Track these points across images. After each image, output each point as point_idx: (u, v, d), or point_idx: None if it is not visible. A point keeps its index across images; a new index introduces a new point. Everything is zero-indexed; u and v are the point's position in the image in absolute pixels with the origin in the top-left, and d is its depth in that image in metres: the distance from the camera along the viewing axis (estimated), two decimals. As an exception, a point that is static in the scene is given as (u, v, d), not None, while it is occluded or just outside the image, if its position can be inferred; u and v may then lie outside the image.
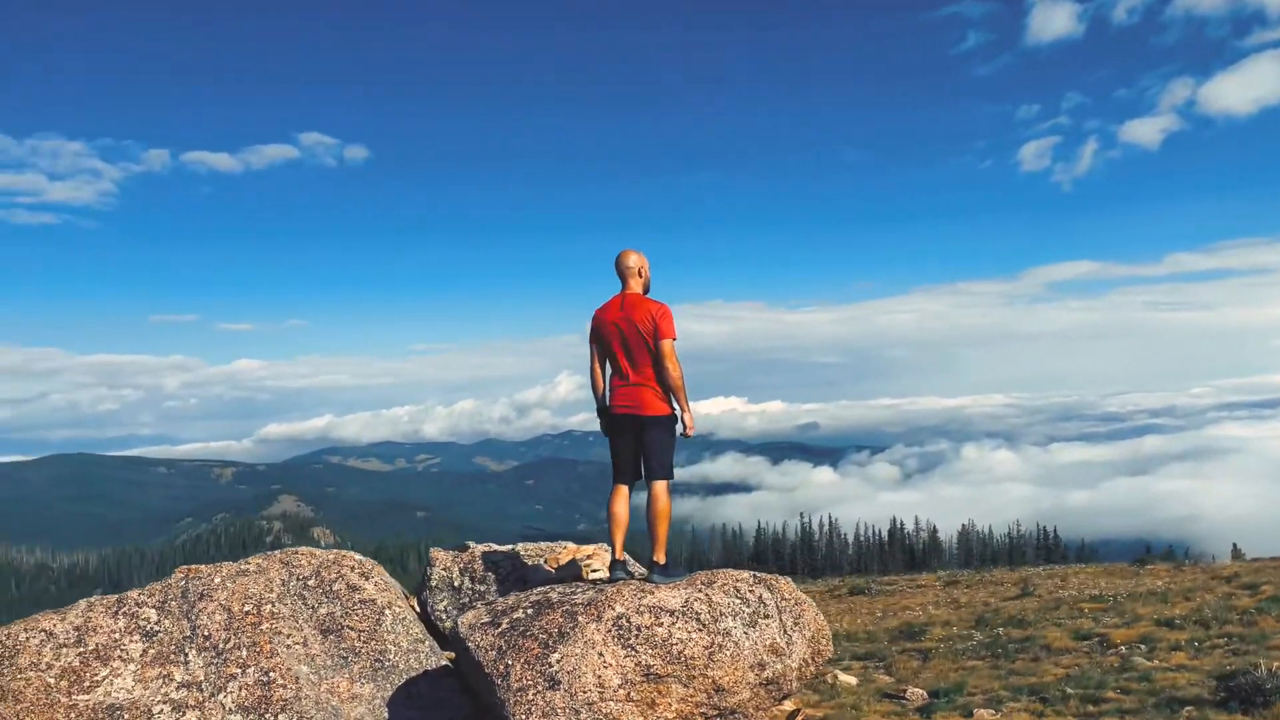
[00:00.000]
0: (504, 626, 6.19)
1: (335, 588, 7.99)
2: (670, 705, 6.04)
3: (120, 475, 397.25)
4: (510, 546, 8.74)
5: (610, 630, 6.00)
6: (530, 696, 5.79)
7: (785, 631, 6.76)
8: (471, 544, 8.73)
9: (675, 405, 6.76)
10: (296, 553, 8.29)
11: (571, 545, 8.56)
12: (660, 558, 6.81)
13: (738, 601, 6.61)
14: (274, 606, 7.78)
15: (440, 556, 8.68)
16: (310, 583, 8.02)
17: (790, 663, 6.70)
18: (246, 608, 7.75)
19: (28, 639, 7.51)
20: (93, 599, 7.92)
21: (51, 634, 7.55)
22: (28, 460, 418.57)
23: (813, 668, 6.98)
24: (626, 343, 6.67)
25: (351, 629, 7.81)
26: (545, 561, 8.44)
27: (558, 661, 5.87)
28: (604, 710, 5.82)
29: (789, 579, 7.19)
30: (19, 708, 7.19)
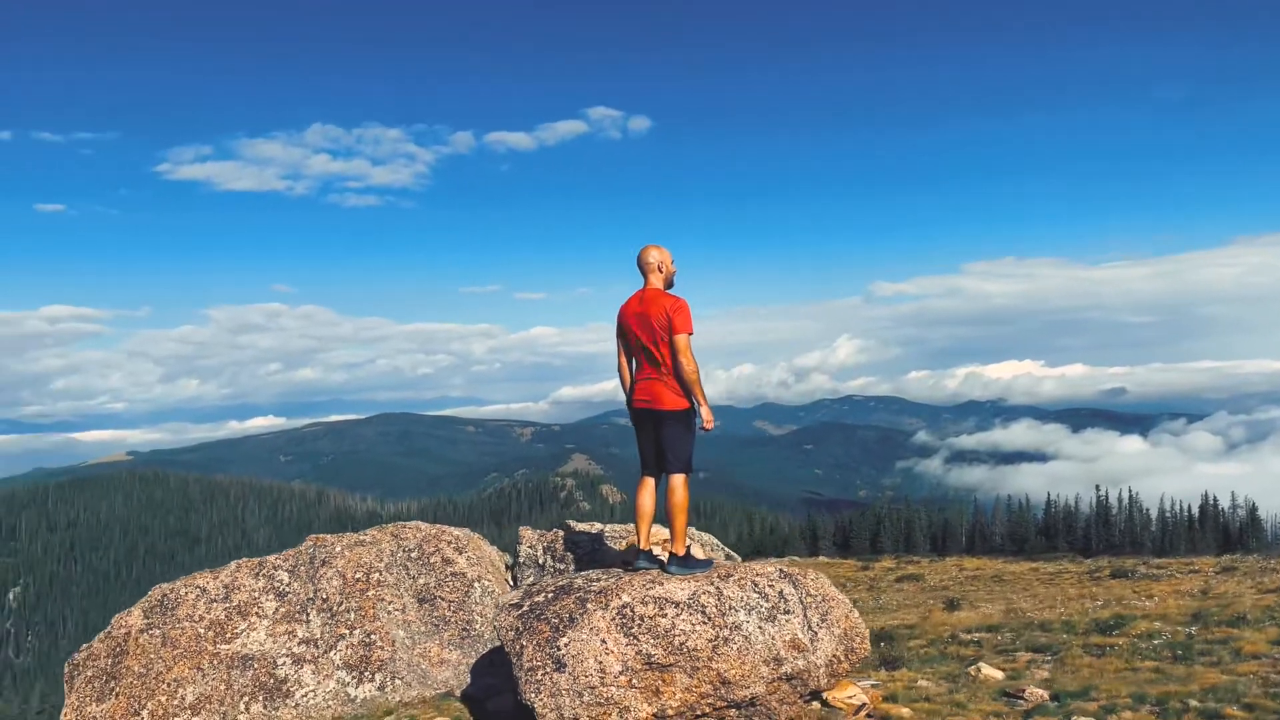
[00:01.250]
0: (525, 608, 6.56)
1: (432, 560, 8.73)
2: (675, 694, 6.17)
3: (437, 433, 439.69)
4: (599, 527, 9.06)
5: (614, 618, 6.20)
6: (539, 677, 6.13)
7: (809, 628, 6.65)
8: (571, 523, 9.14)
9: (693, 400, 6.77)
10: (405, 527, 9.11)
11: (658, 529, 8.74)
12: (679, 549, 6.89)
13: (755, 596, 6.58)
14: (380, 575, 8.64)
15: (527, 535, 9.21)
16: (413, 555, 8.82)
17: (815, 659, 6.60)
18: (358, 575, 8.66)
19: (186, 593, 8.84)
20: (241, 561, 9.16)
21: (205, 590, 8.84)
22: (361, 419, 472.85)
23: (846, 665, 6.83)
24: (643, 338, 6.75)
25: (443, 599, 8.51)
26: (625, 543, 8.69)
27: (565, 645, 6.17)
28: (605, 694, 6.06)
29: (822, 576, 7.02)
30: (174, 653, 8.52)
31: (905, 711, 8.15)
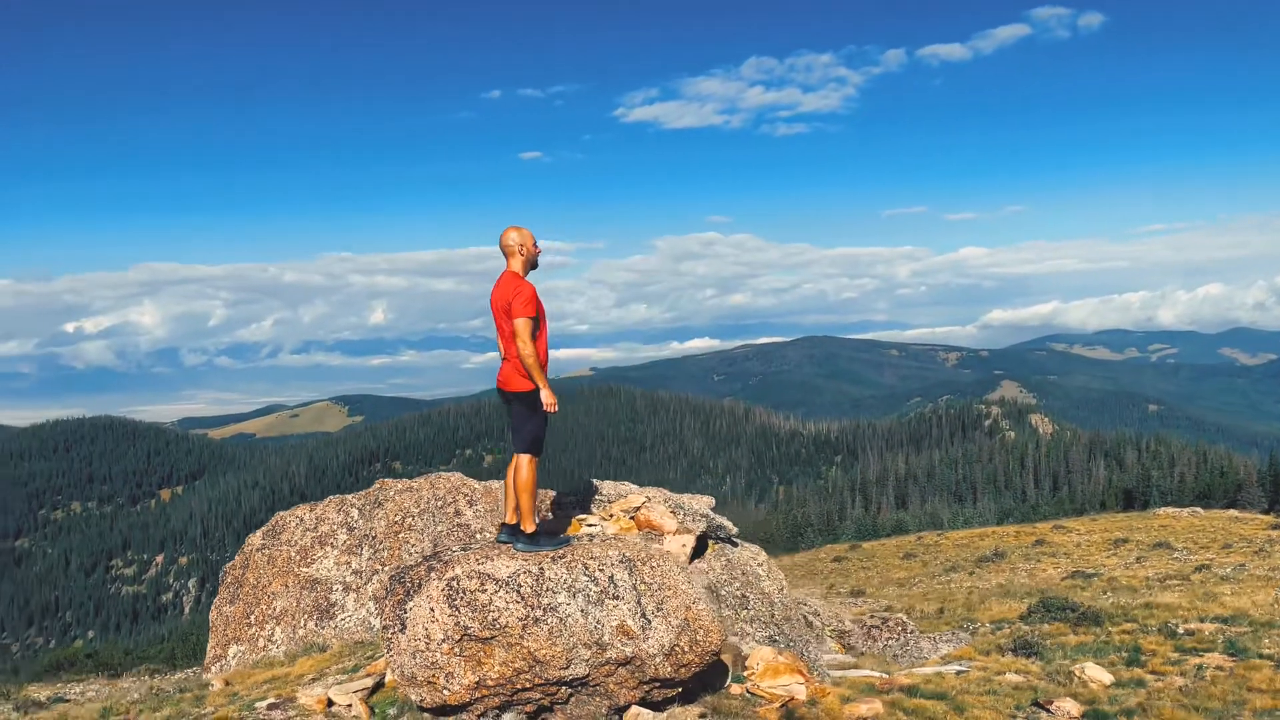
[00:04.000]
0: (399, 572, 7.22)
1: (448, 511, 9.64)
2: (494, 666, 6.53)
3: (860, 356, 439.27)
4: (605, 489, 9.28)
5: (444, 590, 6.66)
6: (390, 635, 6.82)
7: (642, 615, 6.57)
8: (597, 482, 9.49)
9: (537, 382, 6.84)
10: (441, 478, 10.10)
11: (635, 492, 8.84)
12: (527, 527, 7.04)
13: (584, 579, 6.63)
14: (413, 520, 9.75)
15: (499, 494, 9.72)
16: (438, 503, 9.78)
17: (647, 647, 6.53)
18: (397, 518, 9.85)
19: (289, 521, 10.64)
20: (332, 498, 10.77)
21: (302, 520, 10.57)
22: (787, 341, 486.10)
23: (691, 656, 6.62)
24: (496, 321, 6.93)
25: (448, 547, 9.38)
26: (606, 505, 8.86)
27: (409, 609, 6.77)
28: (430, 659, 6.59)
29: (666, 564, 6.78)
30: (273, 570, 10.35)
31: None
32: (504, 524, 7.31)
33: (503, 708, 6.71)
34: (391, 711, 7.21)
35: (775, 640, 8.35)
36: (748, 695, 7.52)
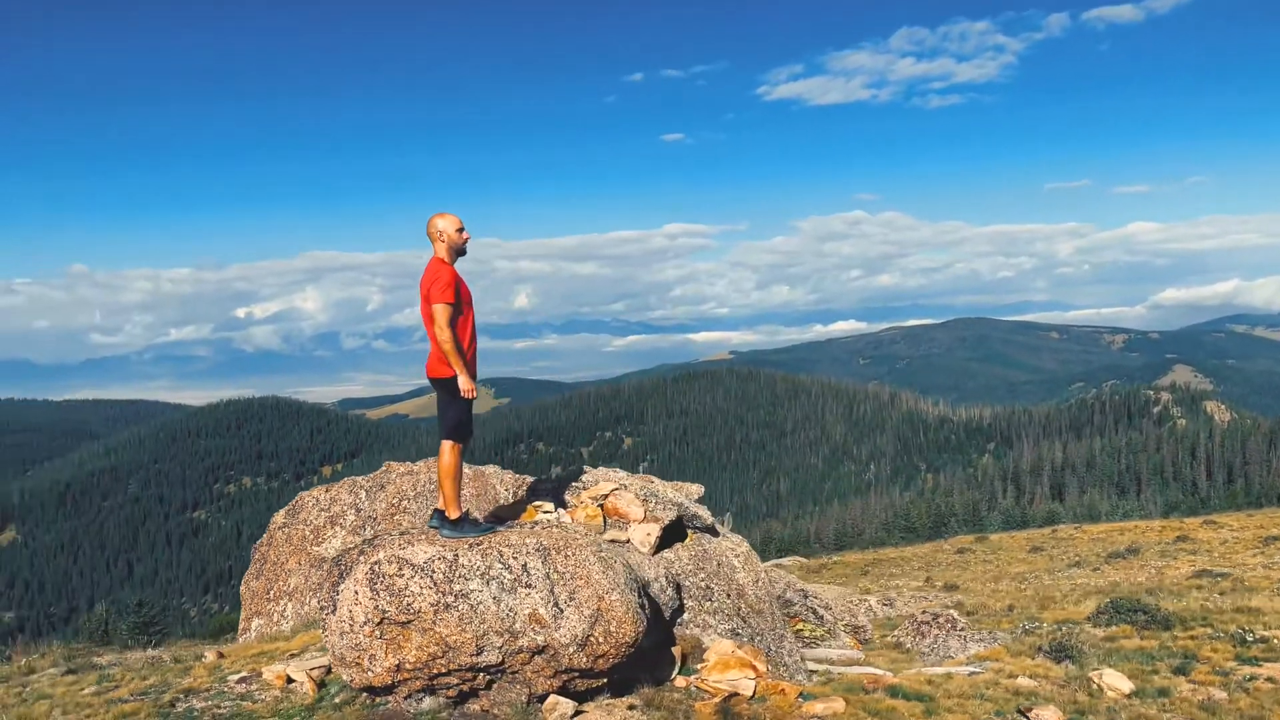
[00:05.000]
0: (344, 554, 7.33)
1: (435, 493, 9.73)
2: (411, 650, 6.57)
3: (1015, 339, 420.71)
4: (586, 476, 9.15)
5: (366, 573, 6.72)
6: (324, 615, 6.96)
7: (554, 604, 6.46)
8: (588, 469, 9.40)
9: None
10: (432, 464, 10.21)
11: (602, 481, 8.68)
12: (451, 513, 7.01)
13: (498, 566, 6.57)
14: (409, 503, 9.93)
15: (506, 479, 9.66)
16: (432, 487, 9.91)
17: (559, 636, 6.44)
18: (395, 500, 10.06)
19: (306, 501, 11.02)
20: (346, 479, 11.06)
21: (318, 500, 10.93)
22: (937, 324, 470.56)
23: (607, 646, 6.50)
24: (421, 308, 6.91)
25: (388, 531, 9.47)
26: (580, 493, 8.73)
27: (340, 591, 6.88)
28: (354, 641, 6.69)
29: (583, 554, 6.60)
30: (289, 548, 10.75)
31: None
32: (435, 509, 7.34)
33: (425, 691, 6.75)
34: (334, 690, 7.37)
35: (738, 633, 8.06)
36: (691, 689, 7.30)
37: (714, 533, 8.99)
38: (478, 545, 6.76)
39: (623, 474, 9.41)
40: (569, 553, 6.70)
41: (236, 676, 8.00)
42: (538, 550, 6.69)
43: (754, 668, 7.47)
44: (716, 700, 7.12)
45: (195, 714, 7.01)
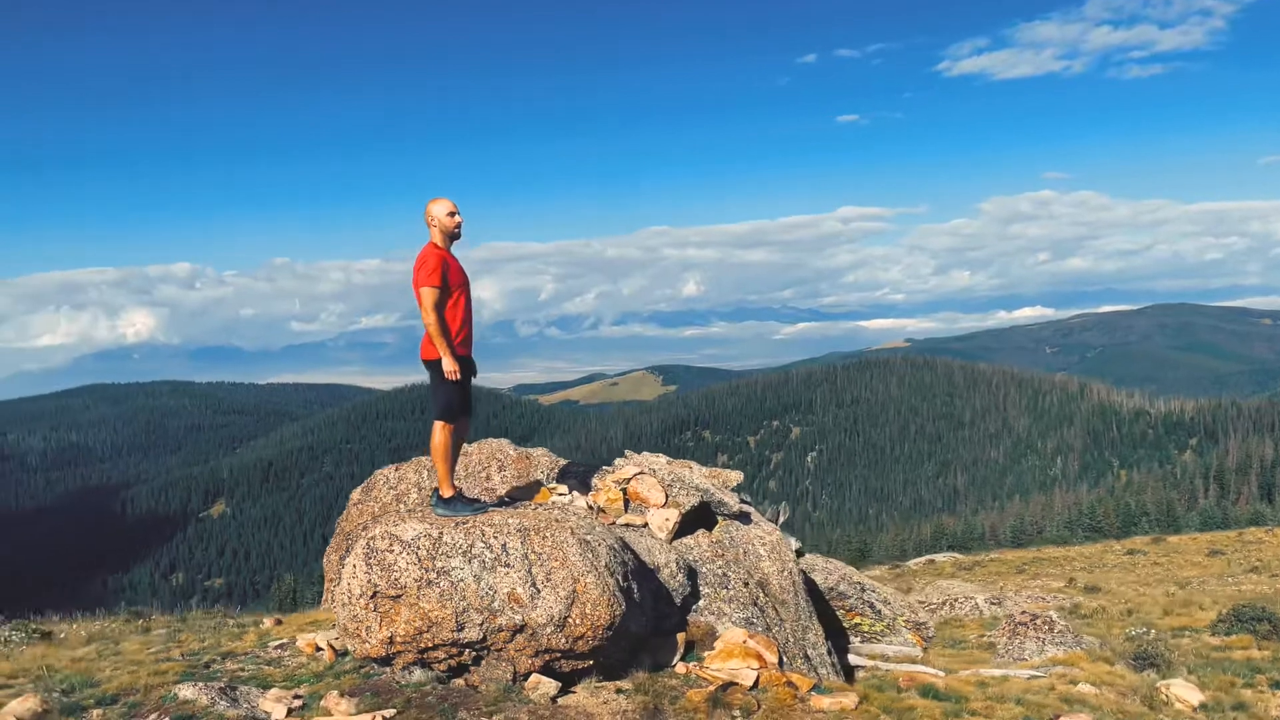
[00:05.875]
0: (356, 530, 7.57)
1: (479, 475, 9.91)
2: (400, 625, 6.73)
3: (1223, 326, 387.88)
4: (619, 460, 9.09)
5: (364, 549, 6.92)
6: (330, 586, 7.25)
7: (532, 584, 6.46)
8: (635, 455, 9.37)
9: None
10: (487, 443, 10.39)
11: (623, 465, 8.58)
12: (444, 491, 7.10)
13: (480, 546, 6.61)
14: (459, 482, 10.10)
15: (538, 461, 9.67)
16: (477, 468, 10.08)
17: (536, 616, 6.46)
18: (448, 480, 10.28)
19: (378, 479, 11.44)
20: (414, 459, 11.40)
21: (388, 479, 11.34)
22: (1133, 310, 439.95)
23: (583, 628, 6.46)
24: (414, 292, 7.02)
25: (397, 509, 9.62)
26: (605, 476, 8.66)
27: (344, 565, 7.13)
28: (352, 612, 6.92)
29: (561, 535, 6.54)
30: (359, 522, 11.22)
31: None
32: (434, 488, 7.47)
33: (417, 664, 6.89)
34: (346, 659, 7.64)
35: (753, 623, 7.81)
36: (691, 676, 7.15)
37: (745, 520, 8.76)
38: (463, 524, 6.85)
39: (663, 459, 9.31)
40: (547, 534, 6.69)
41: (276, 643, 8.43)
42: (518, 531, 6.72)
43: (760, 658, 7.23)
44: (711, 689, 6.94)
45: (219, 673, 7.43)
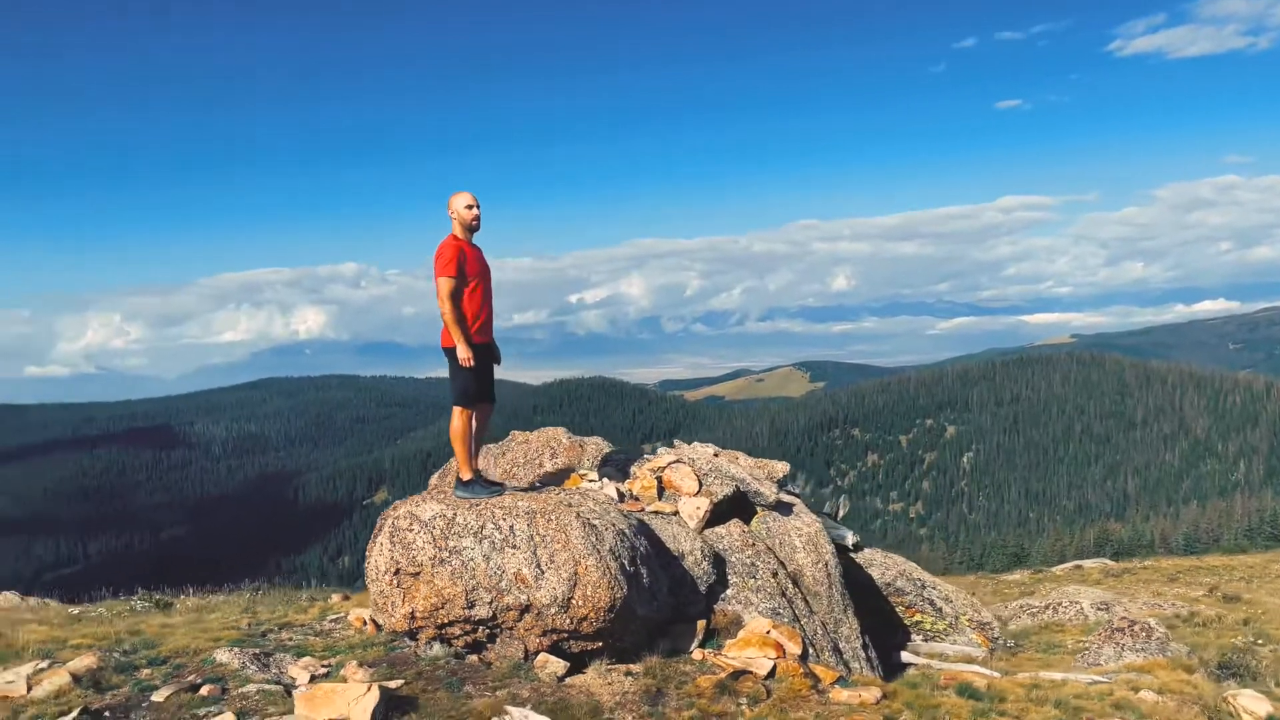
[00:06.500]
0: (389, 510, 7.88)
1: (535, 461, 10.12)
2: (419, 600, 7.01)
3: None
4: (663, 448, 9.10)
5: (389, 527, 7.23)
6: (369, 562, 7.59)
7: (536, 566, 6.61)
8: (664, 449, 9.41)
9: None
10: (544, 432, 10.64)
11: (663, 453, 8.58)
12: (463, 474, 7.28)
13: (490, 527, 6.80)
14: (518, 470, 10.43)
15: (589, 449, 9.72)
16: (534, 455, 10.29)
17: (540, 596, 6.63)
18: (508, 466, 10.60)
19: (453, 464, 11.84)
20: (487, 446, 11.71)
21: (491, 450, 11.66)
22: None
23: (586, 610, 6.57)
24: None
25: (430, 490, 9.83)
26: (643, 464, 8.68)
27: (375, 543, 7.47)
28: (380, 588, 7.27)
29: (565, 519, 6.67)
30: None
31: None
32: (457, 475, 7.71)
33: (437, 639, 7.15)
34: (382, 634, 7.98)
35: (779, 613, 7.69)
36: (707, 662, 7.13)
37: (785, 511, 8.64)
38: (476, 505, 7.06)
39: (710, 449, 9.29)
40: (552, 517, 6.83)
41: (333, 617, 8.88)
42: (526, 514, 6.88)
43: (780, 648, 7.14)
44: (722, 676, 6.90)
45: (269, 642, 7.91)
